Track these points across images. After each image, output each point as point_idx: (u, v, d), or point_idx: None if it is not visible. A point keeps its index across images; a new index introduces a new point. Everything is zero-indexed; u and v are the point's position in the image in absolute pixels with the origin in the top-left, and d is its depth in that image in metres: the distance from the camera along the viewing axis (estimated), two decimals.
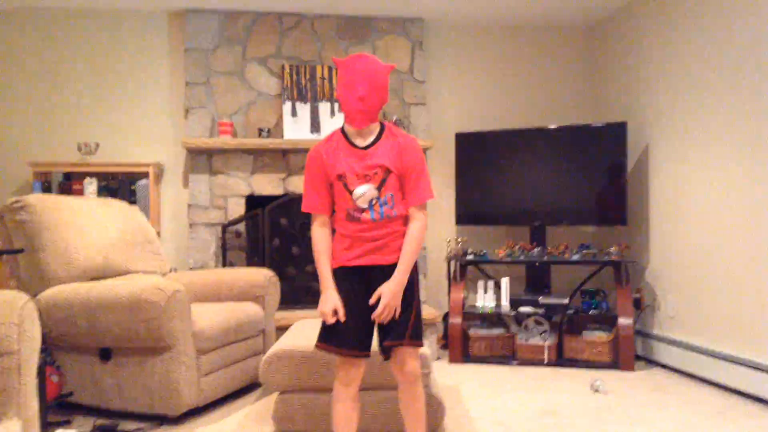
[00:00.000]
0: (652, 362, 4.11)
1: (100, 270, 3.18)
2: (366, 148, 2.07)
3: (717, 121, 3.52)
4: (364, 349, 2.06)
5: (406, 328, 2.04)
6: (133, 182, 4.45)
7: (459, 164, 4.62)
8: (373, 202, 2.03)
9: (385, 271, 2.04)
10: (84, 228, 3.16)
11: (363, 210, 2.03)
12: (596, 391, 3.36)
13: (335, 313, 2.01)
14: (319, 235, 2.11)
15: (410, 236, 2.06)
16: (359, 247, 2.05)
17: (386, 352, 2.06)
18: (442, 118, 4.98)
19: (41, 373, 2.10)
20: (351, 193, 2.03)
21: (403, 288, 2.04)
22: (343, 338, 2.03)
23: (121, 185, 4.44)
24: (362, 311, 2.05)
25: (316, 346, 2.07)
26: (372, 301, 2.01)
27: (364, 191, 2.02)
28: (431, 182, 2.13)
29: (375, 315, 2.00)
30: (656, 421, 2.84)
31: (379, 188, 2.03)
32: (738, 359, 3.29)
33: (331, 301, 2.02)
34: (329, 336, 2.05)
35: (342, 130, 2.12)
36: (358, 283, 2.07)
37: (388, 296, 1.99)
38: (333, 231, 2.15)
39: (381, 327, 2.06)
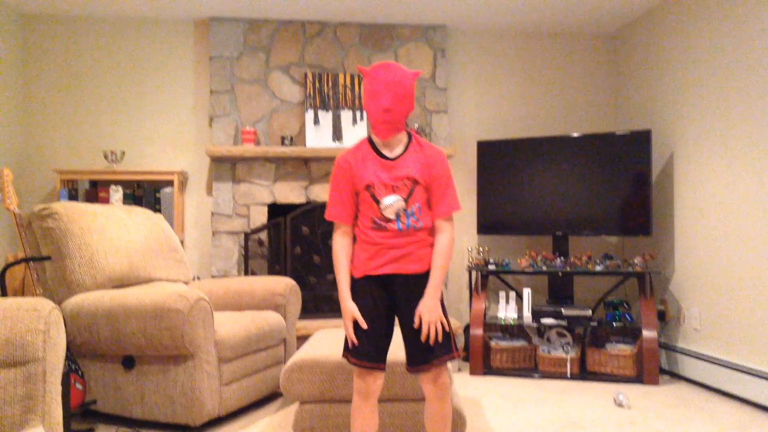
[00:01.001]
0: (676, 376, 4.04)
1: (124, 277, 3.22)
2: (394, 159, 2.05)
3: (743, 128, 3.46)
4: (380, 361, 2.04)
5: (448, 341, 2.02)
6: (158, 190, 4.50)
7: (480, 173, 4.60)
8: (400, 213, 2.02)
9: (409, 281, 2.03)
10: (109, 236, 3.20)
11: (389, 220, 2.03)
12: (619, 405, 3.32)
13: (356, 325, 2.01)
14: (341, 245, 2.10)
15: (439, 250, 2.04)
16: (383, 255, 2.03)
17: (418, 366, 2.04)
18: (463, 125, 4.97)
19: (65, 381, 2.12)
20: (378, 203, 2.03)
21: (439, 302, 2.02)
22: (362, 349, 2.02)
23: (146, 193, 4.48)
24: (382, 322, 2.05)
25: (344, 355, 2.07)
26: (416, 324, 1.99)
27: (391, 202, 2.02)
28: (457, 194, 2.12)
29: (423, 337, 1.98)
30: None
31: (406, 199, 2.02)
32: (763, 374, 3.22)
33: (348, 312, 2.03)
34: (350, 347, 2.05)
35: (369, 139, 2.11)
36: (380, 293, 2.05)
37: (427, 314, 1.98)
38: (354, 239, 2.15)
39: (414, 341, 2.03)
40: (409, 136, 2.10)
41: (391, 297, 2.06)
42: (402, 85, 1.98)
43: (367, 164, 2.05)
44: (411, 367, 2.07)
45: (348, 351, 2.05)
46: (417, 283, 2.03)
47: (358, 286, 2.07)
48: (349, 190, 2.07)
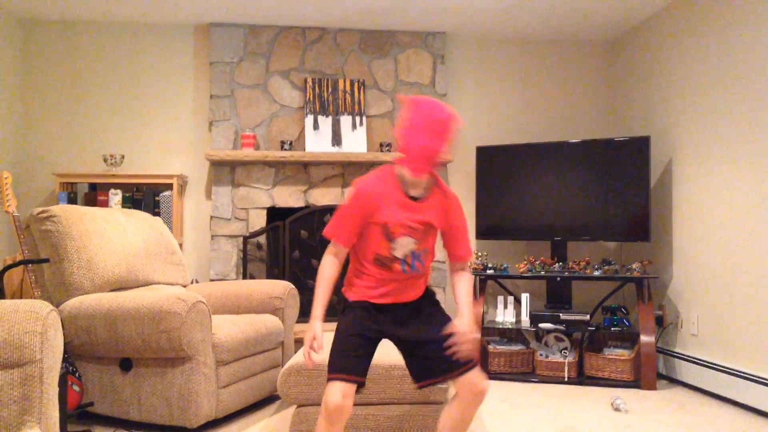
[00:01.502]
0: (674, 381, 4.05)
1: (122, 280, 3.23)
2: (417, 199, 2.00)
3: (742, 135, 3.48)
4: (363, 375, 1.96)
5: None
6: (157, 194, 4.51)
7: (479, 178, 4.61)
8: (407, 255, 1.99)
9: (408, 305, 2.05)
10: (108, 238, 3.21)
11: (395, 259, 1.99)
12: (617, 409, 3.32)
13: (342, 339, 1.97)
14: (331, 265, 2.02)
15: (466, 285, 2.06)
16: (384, 287, 2.01)
17: (440, 377, 2.00)
18: (463, 131, 4.98)
19: (63, 383, 2.13)
20: (392, 242, 1.98)
21: (475, 326, 2.00)
22: (347, 363, 1.94)
23: (145, 196, 4.50)
24: (368, 342, 2.00)
25: (329, 377, 1.94)
26: (448, 331, 1.95)
27: (405, 243, 1.98)
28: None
29: (454, 348, 1.93)
30: None
31: (417, 242, 2.00)
32: (760, 379, 3.22)
33: (312, 332, 1.94)
34: (336, 363, 1.95)
35: (396, 172, 2.01)
36: (371, 314, 2.02)
37: (465, 329, 1.94)
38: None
39: (432, 355, 1.98)
40: (432, 175, 2.04)
41: (379, 322, 2.02)
42: (454, 130, 1.94)
43: (391, 201, 1.98)
44: (429, 380, 2.01)
45: (333, 369, 1.94)
46: (413, 305, 2.06)
47: (352, 305, 2.03)
48: (362, 218, 2.00)
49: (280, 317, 3.54)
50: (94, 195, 4.44)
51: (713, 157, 3.73)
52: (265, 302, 3.54)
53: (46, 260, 2.97)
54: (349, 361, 1.94)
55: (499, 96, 5.03)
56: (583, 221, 4.34)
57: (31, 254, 3.06)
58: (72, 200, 4.40)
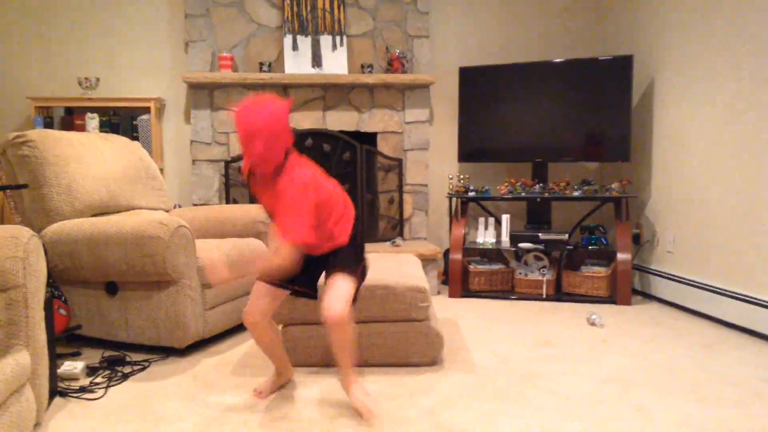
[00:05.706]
0: (648, 296, 4.18)
1: (104, 205, 3.22)
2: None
3: (723, 56, 3.45)
4: None
5: None
6: (135, 117, 4.43)
7: (462, 100, 4.57)
8: None
9: None
10: (87, 163, 3.18)
11: None
12: (592, 324, 3.44)
13: None
14: None
15: None
16: None
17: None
18: (445, 51, 4.89)
19: (48, 307, 2.16)
20: None
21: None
22: None
23: (122, 120, 4.42)
24: None
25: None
26: None
27: None
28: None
29: None
30: (647, 353, 2.91)
31: None
32: (730, 293, 3.34)
33: None
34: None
35: None
36: None
37: None
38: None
39: None
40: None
41: None
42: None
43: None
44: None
45: None
46: None
47: None
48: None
49: (264, 241, 3.56)
50: (71, 119, 4.36)
51: (694, 77, 3.71)
52: (249, 226, 3.57)
53: (25, 186, 2.95)
54: None
55: (483, 14, 4.92)
56: (564, 142, 4.34)
57: (9, 180, 3.02)
58: (48, 125, 4.32)
